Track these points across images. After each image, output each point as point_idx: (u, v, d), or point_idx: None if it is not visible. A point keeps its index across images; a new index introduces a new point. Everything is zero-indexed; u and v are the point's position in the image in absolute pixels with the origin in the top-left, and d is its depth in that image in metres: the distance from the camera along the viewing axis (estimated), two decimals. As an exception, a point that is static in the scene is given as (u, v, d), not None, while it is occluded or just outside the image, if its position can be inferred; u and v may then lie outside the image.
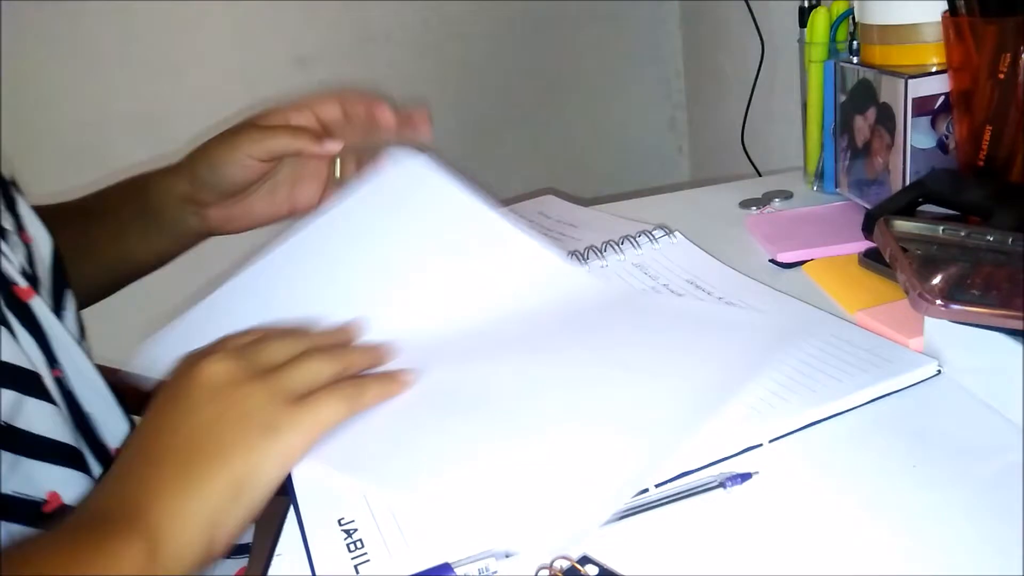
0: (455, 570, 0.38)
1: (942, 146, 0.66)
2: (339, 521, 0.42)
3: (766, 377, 0.49)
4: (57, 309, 0.55)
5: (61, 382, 0.52)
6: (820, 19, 0.77)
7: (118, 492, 0.41)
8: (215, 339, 0.49)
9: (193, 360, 0.45)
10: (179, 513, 0.39)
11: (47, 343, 0.51)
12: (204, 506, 0.40)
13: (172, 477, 0.41)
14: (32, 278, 0.53)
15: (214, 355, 0.45)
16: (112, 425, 0.56)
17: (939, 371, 0.49)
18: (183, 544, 0.39)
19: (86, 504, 0.42)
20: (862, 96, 0.70)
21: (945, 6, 0.62)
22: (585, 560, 0.37)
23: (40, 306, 0.51)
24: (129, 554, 0.38)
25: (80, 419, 0.53)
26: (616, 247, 0.70)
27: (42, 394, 0.49)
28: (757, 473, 0.42)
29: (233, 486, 0.41)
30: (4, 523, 0.46)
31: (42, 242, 0.57)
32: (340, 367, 0.48)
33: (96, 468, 0.53)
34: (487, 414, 0.48)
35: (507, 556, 0.38)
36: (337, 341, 0.52)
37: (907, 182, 0.65)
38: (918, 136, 0.65)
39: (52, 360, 0.51)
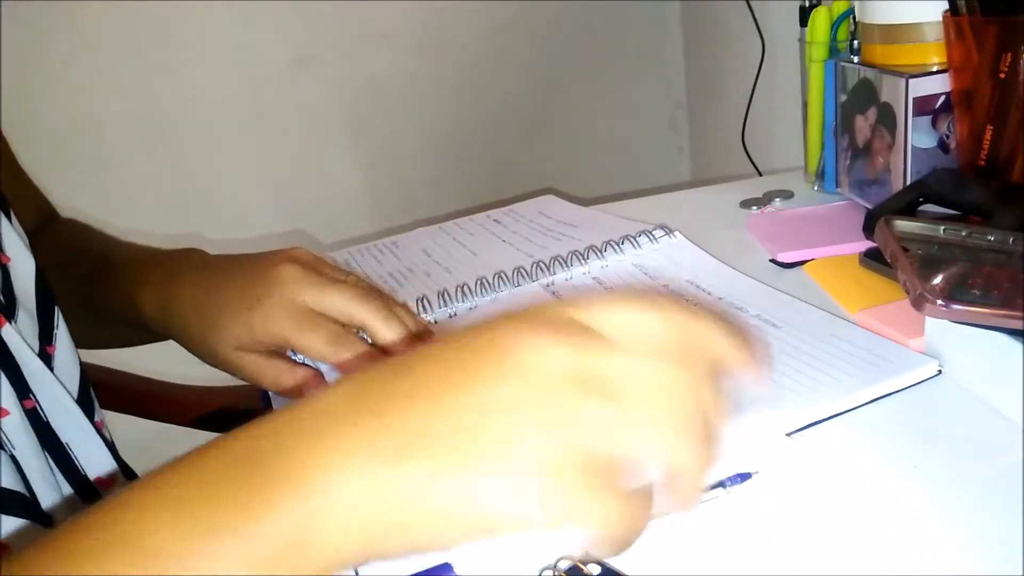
0: (454, 569, 0.38)
1: (943, 146, 0.66)
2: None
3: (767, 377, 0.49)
4: (46, 331, 0.53)
5: (36, 413, 0.50)
6: (821, 18, 0.77)
7: (287, 437, 0.29)
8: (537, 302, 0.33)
9: (521, 332, 0.30)
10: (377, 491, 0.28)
11: (20, 373, 0.49)
12: (409, 504, 0.28)
13: (401, 447, 0.28)
14: (7, 305, 0.51)
15: (552, 339, 0.30)
16: (92, 455, 0.53)
17: (940, 371, 0.49)
18: (337, 531, 0.28)
19: (225, 444, 0.30)
20: (863, 96, 0.70)
21: (946, 5, 0.61)
22: (587, 559, 0.37)
23: (11, 335, 0.49)
24: (282, 518, 0.28)
25: (57, 450, 0.51)
26: (616, 247, 0.70)
27: None
28: (757, 473, 0.42)
29: (459, 511, 0.28)
30: None
31: (22, 262, 0.53)
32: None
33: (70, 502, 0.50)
34: None
35: None
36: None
37: (908, 182, 0.65)
38: (919, 136, 0.65)
39: (25, 391, 0.49)
